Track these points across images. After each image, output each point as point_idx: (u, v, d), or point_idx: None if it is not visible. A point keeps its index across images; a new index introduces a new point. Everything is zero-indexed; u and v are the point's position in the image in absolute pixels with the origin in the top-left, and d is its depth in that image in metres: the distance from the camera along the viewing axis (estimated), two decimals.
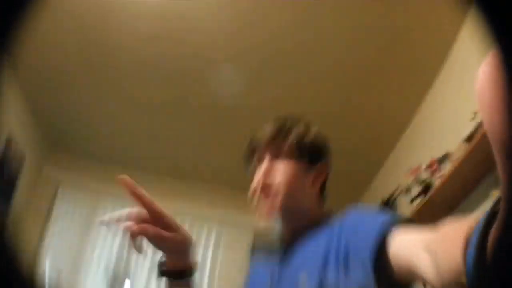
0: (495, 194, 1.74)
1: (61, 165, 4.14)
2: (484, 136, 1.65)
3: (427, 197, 2.18)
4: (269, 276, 0.93)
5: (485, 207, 1.86)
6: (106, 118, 3.54)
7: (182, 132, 3.51)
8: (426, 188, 2.35)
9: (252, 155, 0.99)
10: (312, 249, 0.85)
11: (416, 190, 2.44)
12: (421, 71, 2.57)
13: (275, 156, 0.94)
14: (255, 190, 0.93)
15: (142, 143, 3.75)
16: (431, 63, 2.51)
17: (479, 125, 1.78)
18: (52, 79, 3.01)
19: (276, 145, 0.95)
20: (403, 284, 0.68)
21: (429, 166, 2.28)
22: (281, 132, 0.96)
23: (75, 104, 3.42)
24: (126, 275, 3.70)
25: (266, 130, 0.97)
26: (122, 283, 3.78)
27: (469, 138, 1.86)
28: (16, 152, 3.50)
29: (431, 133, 2.66)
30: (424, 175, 2.33)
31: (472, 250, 0.35)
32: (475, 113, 1.86)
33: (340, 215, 0.88)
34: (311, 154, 0.96)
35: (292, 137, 0.95)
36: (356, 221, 0.79)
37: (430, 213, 2.24)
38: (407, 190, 2.55)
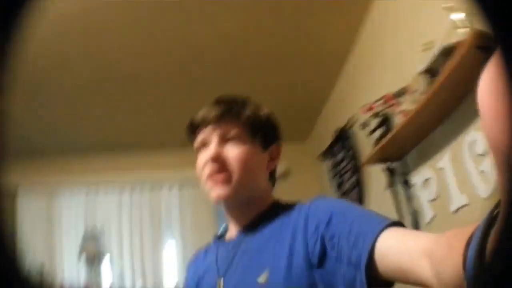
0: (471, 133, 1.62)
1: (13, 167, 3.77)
2: (452, 71, 1.49)
3: (391, 133, 2.05)
4: (218, 264, 0.88)
5: (454, 142, 1.76)
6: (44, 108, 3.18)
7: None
8: (384, 121, 2.24)
9: (195, 135, 0.91)
10: (274, 244, 0.79)
11: (373, 123, 2.33)
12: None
13: (224, 138, 0.86)
14: (205, 170, 0.86)
15: (87, 126, 3.60)
16: None
17: (439, 57, 1.60)
18: None
19: (225, 126, 0.87)
20: (385, 283, 0.65)
21: (385, 100, 2.13)
22: (230, 112, 0.87)
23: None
24: (102, 253, 3.86)
25: (213, 109, 0.88)
26: (100, 261, 3.90)
27: (429, 71, 1.69)
28: None
29: (376, 65, 2.49)
30: (380, 108, 2.20)
31: (471, 253, 0.35)
32: (427, 44, 1.68)
33: (299, 206, 0.83)
34: (264, 136, 0.91)
35: (243, 118, 0.88)
36: (338, 219, 0.72)
37: (393, 147, 2.16)
38: (364, 125, 2.42)
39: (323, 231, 0.71)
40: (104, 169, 4.07)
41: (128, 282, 3.93)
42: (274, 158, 0.94)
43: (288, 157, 3.93)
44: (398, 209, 2.20)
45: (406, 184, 2.15)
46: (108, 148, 3.97)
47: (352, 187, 2.89)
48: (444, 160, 1.82)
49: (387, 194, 2.31)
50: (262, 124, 0.90)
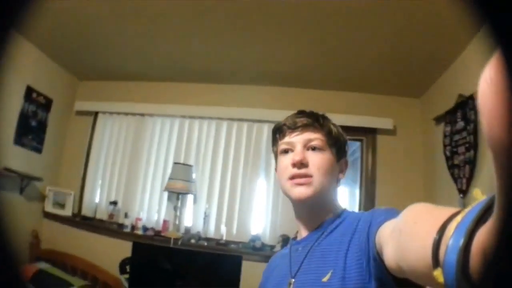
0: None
1: (94, 95, 4.15)
2: None
3: None
4: (291, 265, 1.03)
5: None
6: (133, 37, 3.42)
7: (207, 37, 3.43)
8: None
9: (281, 136, 1.06)
10: (337, 249, 0.93)
11: None
12: None
13: (308, 144, 1.01)
14: (288, 171, 1.00)
15: (174, 55, 3.74)
16: None
17: None
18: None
19: (310, 134, 1.02)
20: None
21: None
22: (316, 122, 1.03)
23: (94, 28, 3.24)
24: (189, 191, 3.65)
25: (299, 118, 1.04)
26: (184, 199, 3.84)
27: None
28: (39, 100, 3.56)
29: None
30: None
31: (454, 249, 0.35)
32: None
33: (359, 215, 0.95)
34: (339, 148, 1.06)
35: (326, 129, 1.04)
36: (372, 227, 0.82)
37: None
38: None
39: (366, 238, 0.83)
40: (200, 101, 4.06)
41: (211, 226, 3.75)
42: (342, 171, 1.08)
43: (399, 111, 3.86)
44: None
45: None
46: (206, 79, 4.06)
47: (465, 163, 2.82)
48: None
49: None
50: (339, 137, 1.06)
